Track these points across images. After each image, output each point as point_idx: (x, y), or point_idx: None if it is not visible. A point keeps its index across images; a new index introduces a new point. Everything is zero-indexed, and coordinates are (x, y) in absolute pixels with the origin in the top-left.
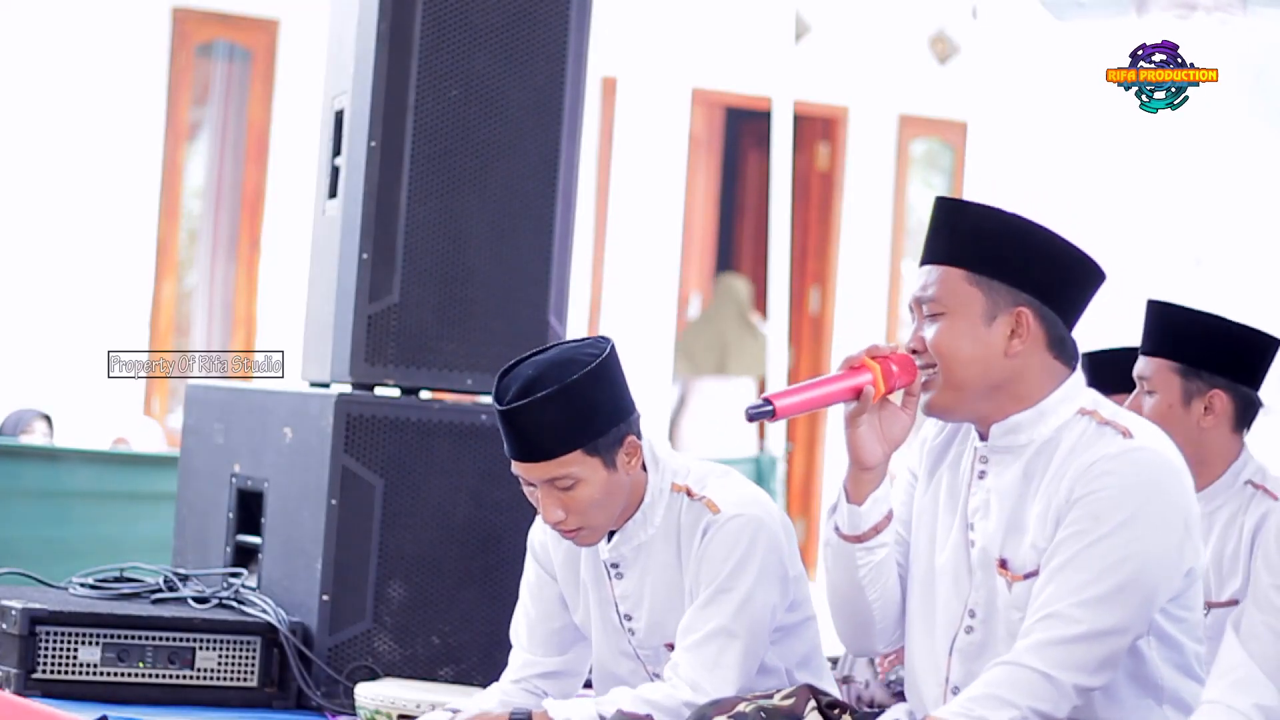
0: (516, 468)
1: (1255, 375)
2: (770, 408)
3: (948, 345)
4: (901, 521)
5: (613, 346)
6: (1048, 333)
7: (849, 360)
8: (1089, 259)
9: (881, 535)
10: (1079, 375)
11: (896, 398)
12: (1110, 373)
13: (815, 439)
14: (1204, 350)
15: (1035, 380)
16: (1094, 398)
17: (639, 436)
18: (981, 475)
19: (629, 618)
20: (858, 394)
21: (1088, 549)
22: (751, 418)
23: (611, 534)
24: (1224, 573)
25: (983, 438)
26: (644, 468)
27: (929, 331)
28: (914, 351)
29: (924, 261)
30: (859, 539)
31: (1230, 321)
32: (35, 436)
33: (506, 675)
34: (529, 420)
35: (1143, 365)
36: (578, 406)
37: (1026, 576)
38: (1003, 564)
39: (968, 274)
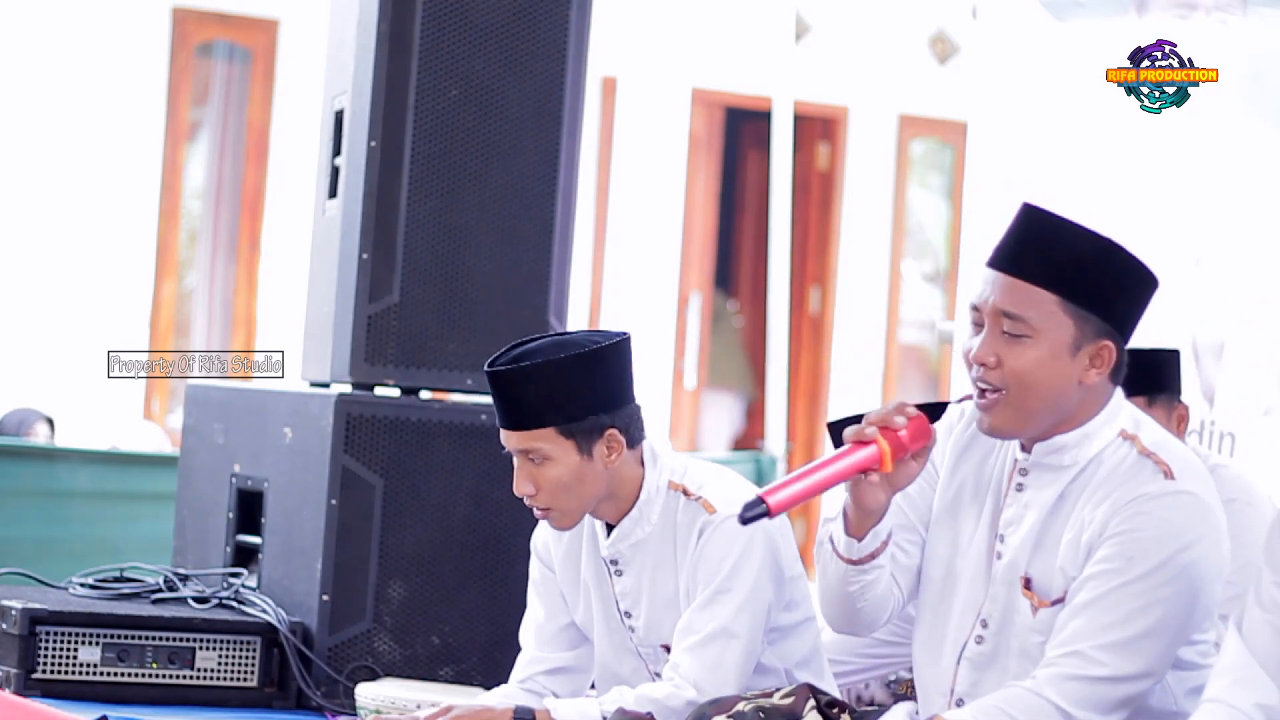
0: (501, 433)
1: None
2: (764, 506)
3: (1030, 371)
4: (914, 510)
5: (622, 341)
6: (1119, 360)
7: (855, 434)
8: (1153, 277)
9: (878, 559)
10: (1120, 393)
11: None
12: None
13: (815, 439)
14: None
15: (1090, 406)
16: (1134, 418)
17: (626, 433)
18: (1020, 488)
19: (629, 615)
20: (865, 472)
21: (1117, 590)
22: (745, 521)
23: (610, 530)
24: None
25: (1024, 449)
26: (641, 464)
27: (1009, 353)
28: (982, 364)
29: (1008, 271)
30: (855, 563)
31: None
32: (37, 439)
33: (513, 677)
34: (510, 387)
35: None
36: (558, 386)
37: (1054, 603)
38: (1027, 583)
39: (1062, 301)
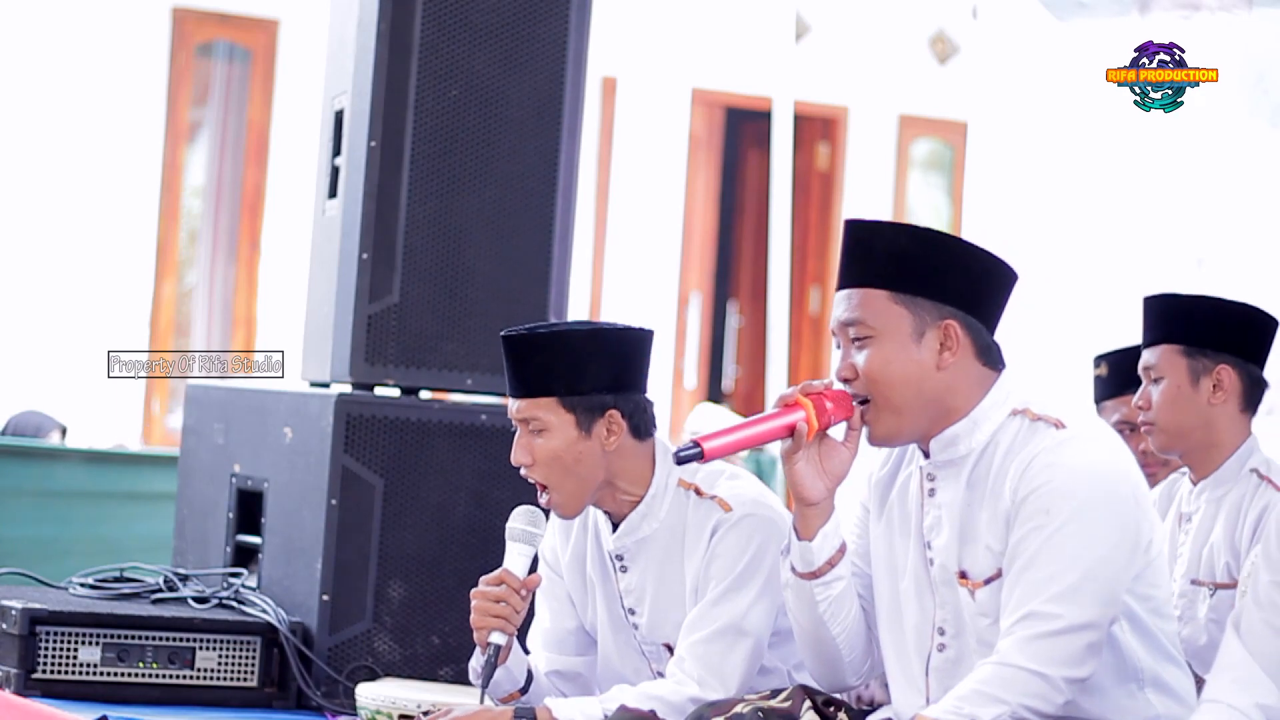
0: (508, 404)
1: (1259, 352)
2: (698, 450)
3: (880, 369)
4: (860, 555)
5: (641, 332)
6: (974, 341)
7: (783, 398)
8: (1002, 262)
9: (836, 569)
10: (1006, 377)
11: (836, 432)
12: (1134, 371)
13: None
14: (1206, 329)
15: (966, 390)
16: (1023, 397)
17: (630, 419)
18: (931, 493)
19: (633, 612)
20: (791, 431)
21: (1046, 543)
22: (680, 460)
23: (616, 525)
24: (1226, 555)
25: (926, 455)
26: (653, 460)
27: (859, 358)
28: (845, 380)
29: (841, 286)
30: (814, 575)
31: (1229, 300)
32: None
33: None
34: (520, 354)
35: (1147, 356)
36: (567, 359)
37: (987, 582)
38: (963, 575)
39: (890, 294)
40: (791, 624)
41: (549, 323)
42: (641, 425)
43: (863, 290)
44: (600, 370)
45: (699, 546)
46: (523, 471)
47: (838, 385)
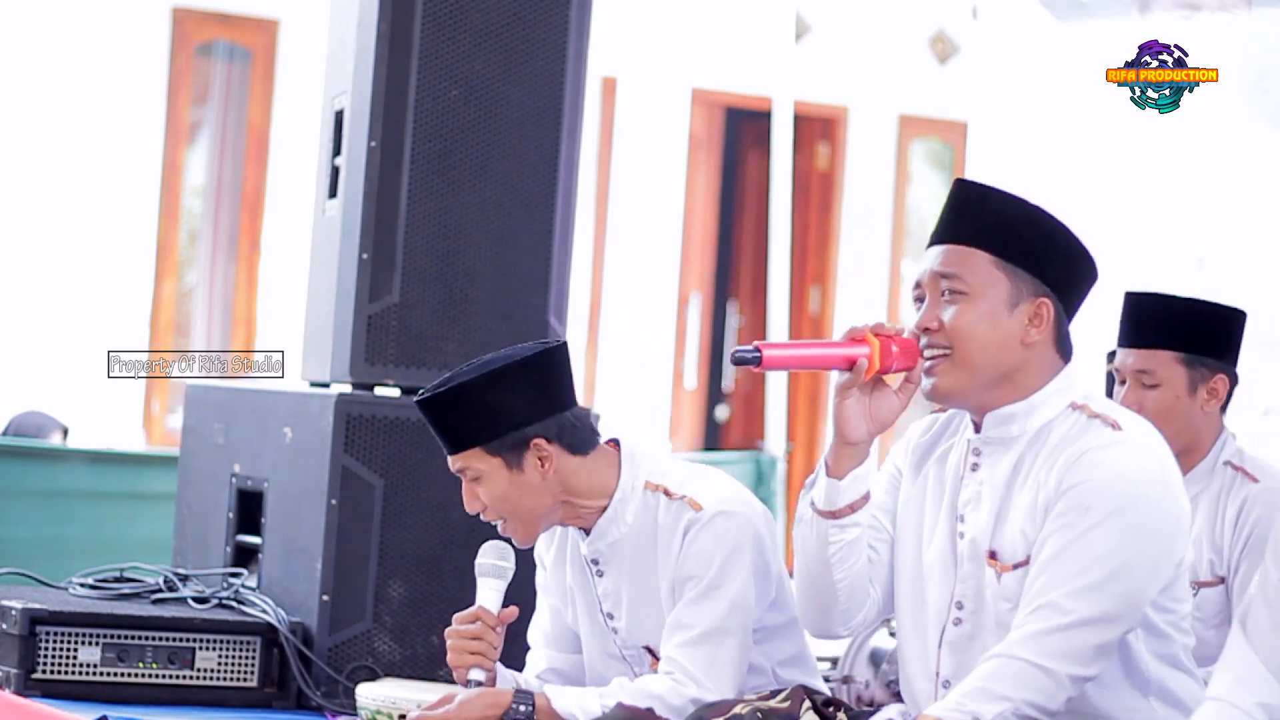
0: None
1: (1239, 353)
2: (757, 355)
3: (968, 327)
4: (883, 511)
5: (544, 351)
6: (1057, 326)
7: (852, 331)
8: (1093, 259)
9: (856, 514)
10: (1071, 369)
11: (893, 380)
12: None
13: (815, 439)
14: (1208, 337)
15: (1037, 372)
16: (1085, 392)
17: (561, 440)
18: (975, 468)
19: (611, 616)
20: (851, 364)
21: (1078, 539)
22: (737, 361)
23: (587, 532)
24: (1209, 553)
25: (976, 429)
26: (618, 465)
27: (947, 312)
28: (927, 330)
29: (942, 241)
30: (834, 515)
31: (1221, 305)
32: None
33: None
34: (432, 413)
35: (1139, 359)
36: (475, 408)
37: (1015, 566)
38: (992, 555)
39: (994, 258)
40: (796, 561)
41: (456, 372)
42: (576, 441)
43: (966, 248)
44: (512, 407)
45: (671, 547)
46: (482, 517)
47: (908, 335)
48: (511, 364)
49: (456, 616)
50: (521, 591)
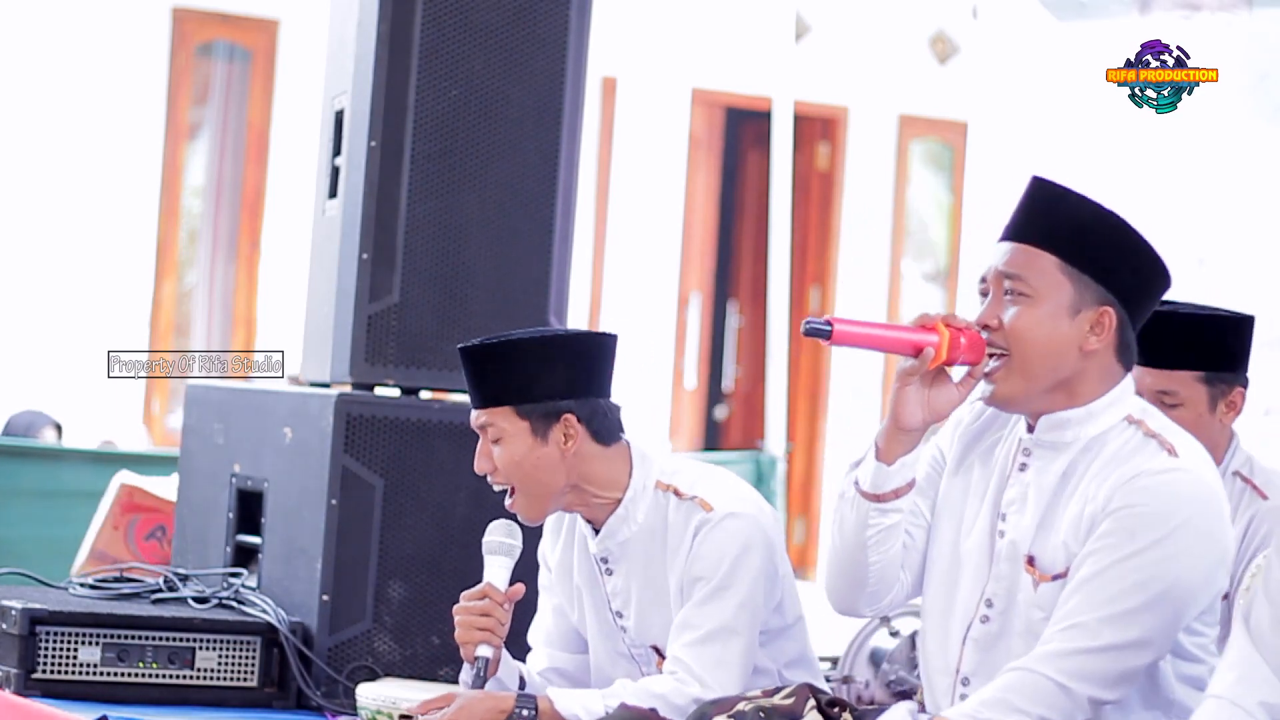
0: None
1: (1249, 360)
2: (828, 328)
3: (1028, 329)
4: (925, 498)
5: (600, 336)
6: (1120, 335)
7: (923, 318)
8: (1167, 270)
9: (900, 501)
10: (1130, 380)
11: (955, 372)
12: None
13: (815, 439)
14: (1227, 354)
15: (1096, 379)
16: (1142, 406)
17: (589, 424)
18: (1023, 468)
19: (620, 615)
20: (918, 351)
21: (1119, 563)
22: (807, 333)
23: (596, 530)
24: None
25: (1029, 429)
26: (629, 463)
27: (1008, 313)
28: (986, 326)
29: (1010, 238)
30: (878, 498)
31: (1231, 316)
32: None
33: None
34: (475, 365)
35: (1160, 380)
36: (519, 367)
37: (1055, 578)
38: (1030, 561)
39: (1061, 262)
40: (832, 538)
41: (507, 333)
42: (603, 429)
43: (1033, 249)
44: (554, 377)
45: (681, 547)
46: (489, 479)
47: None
48: (564, 335)
49: (464, 594)
50: (525, 591)
